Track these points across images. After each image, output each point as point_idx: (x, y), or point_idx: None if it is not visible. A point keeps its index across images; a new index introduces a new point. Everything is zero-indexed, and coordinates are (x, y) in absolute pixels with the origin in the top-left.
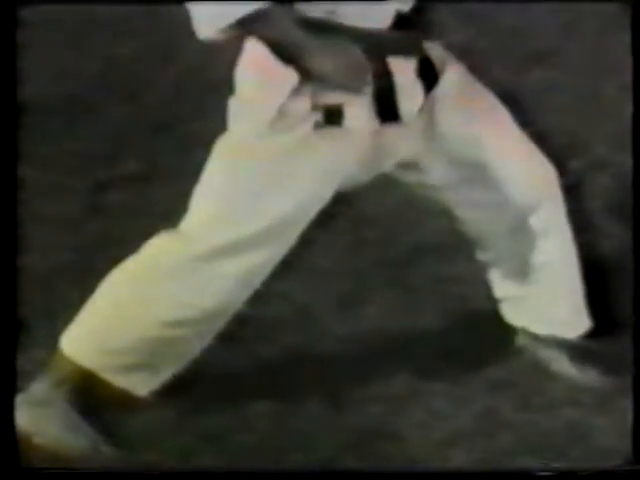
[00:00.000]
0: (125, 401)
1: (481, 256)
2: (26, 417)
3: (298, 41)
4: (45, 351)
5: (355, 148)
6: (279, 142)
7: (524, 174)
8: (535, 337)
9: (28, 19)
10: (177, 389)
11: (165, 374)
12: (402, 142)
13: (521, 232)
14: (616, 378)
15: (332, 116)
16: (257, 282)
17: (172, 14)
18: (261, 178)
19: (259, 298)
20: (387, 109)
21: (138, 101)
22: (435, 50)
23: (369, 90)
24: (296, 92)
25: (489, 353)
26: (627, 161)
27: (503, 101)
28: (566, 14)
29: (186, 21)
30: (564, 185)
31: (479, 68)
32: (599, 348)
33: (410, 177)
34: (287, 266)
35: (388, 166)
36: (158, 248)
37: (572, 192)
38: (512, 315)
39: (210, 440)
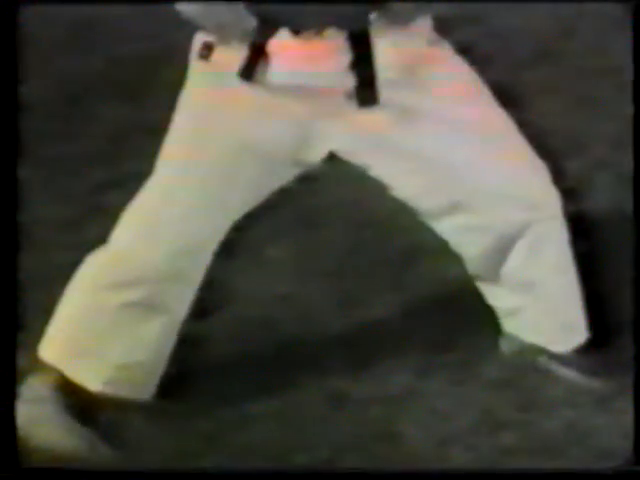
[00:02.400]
0: (109, 404)
1: (471, 270)
2: (25, 417)
3: None
4: None
5: (257, 101)
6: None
7: (516, 192)
8: (528, 345)
9: (28, 19)
10: (176, 389)
11: (113, 359)
12: (329, 135)
13: (505, 250)
14: (616, 378)
15: (204, 50)
16: (195, 242)
17: (172, 14)
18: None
19: (260, 299)
20: (245, 68)
21: (138, 101)
22: (386, 28)
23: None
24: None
25: (489, 353)
26: (627, 161)
27: (503, 101)
28: (566, 14)
29: (186, 21)
30: (563, 186)
31: (479, 68)
32: (602, 346)
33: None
34: (287, 267)
35: (316, 157)
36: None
37: (571, 193)
38: (507, 324)
39: (209, 440)
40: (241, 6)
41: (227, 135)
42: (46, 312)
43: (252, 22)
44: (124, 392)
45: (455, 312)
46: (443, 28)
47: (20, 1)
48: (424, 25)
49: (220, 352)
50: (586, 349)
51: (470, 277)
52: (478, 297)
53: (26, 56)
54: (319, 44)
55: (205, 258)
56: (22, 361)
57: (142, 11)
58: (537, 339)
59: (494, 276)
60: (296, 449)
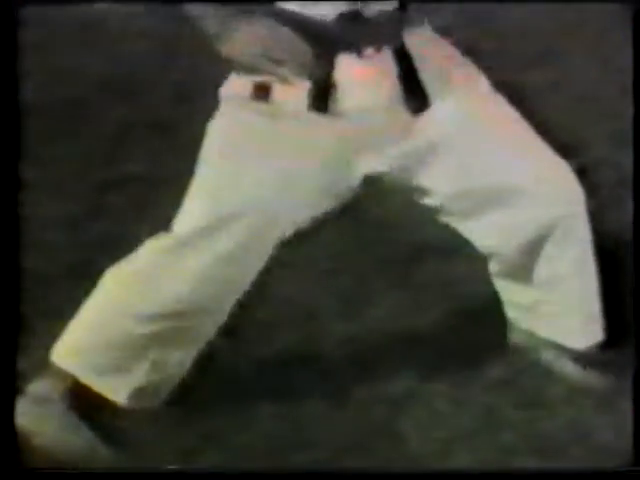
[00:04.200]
0: (112, 406)
1: (493, 267)
2: (26, 417)
3: (215, 26)
4: (46, 351)
5: (318, 136)
6: (239, 123)
7: (546, 191)
8: (539, 340)
9: (28, 19)
10: (178, 389)
11: (139, 377)
12: (383, 145)
13: (538, 247)
14: (616, 378)
15: (260, 91)
16: (233, 277)
17: (172, 14)
18: (218, 163)
19: (262, 299)
20: (318, 100)
21: (138, 101)
22: (415, 37)
23: (308, 77)
24: (238, 77)
25: (490, 353)
26: (628, 161)
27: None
28: (567, 14)
29: (186, 21)
30: None
31: (481, 68)
32: (602, 352)
33: (424, 201)
34: (289, 266)
35: (374, 165)
36: (143, 249)
37: None
38: (521, 321)
39: (211, 440)
40: (295, 37)
41: (269, 171)
42: (47, 312)
43: (308, 52)
44: (146, 403)
45: (458, 312)
46: (444, 28)
47: (20, 1)
48: (427, 30)
49: (221, 352)
50: (592, 351)
51: (473, 277)
52: (482, 297)
53: (26, 56)
54: (375, 64)
55: (241, 291)
56: (23, 361)
57: (143, 11)
58: (556, 335)
59: (520, 273)
60: (297, 449)
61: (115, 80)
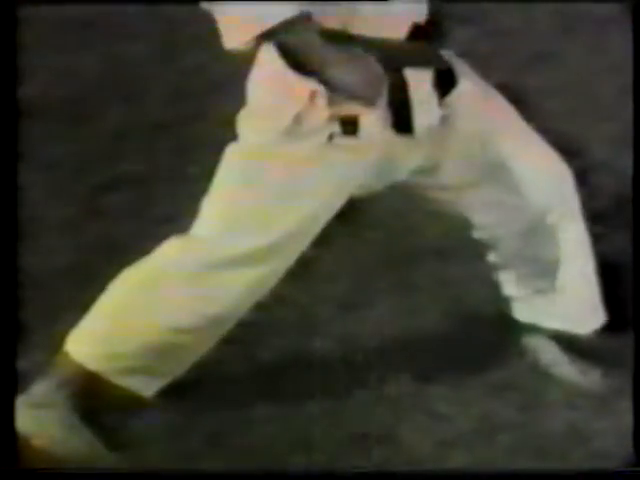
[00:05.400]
0: (128, 402)
1: (494, 258)
2: (26, 419)
3: (319, 51)
4: (45, 353)
5: (367, 159)
6: (294, 151)
7: (540, 174)
8: (543, 333)
9: (28, 19)
10: (178, 391)
11: (167, 378)
12: (415, 152)
13: (536, 231)
14: (616, 380)
15: (348, 126)
16: (264, 291)
17: (172, 14)
18: (276, 187)
19: (261, 300)
20: (401, 122)
21: (138, 101)
22: (449, 59)
23: (383, 101)
24: (312, 102)
25: (490, 355)
26: (628, 162)
27: None
28: (566, 15)
29: (186, 21)
30: None
31: (480, 69)
32: (602, 348)
33: (425, 180)
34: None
35: (401, 175)
36: (170, 254)
37: None
38: (523, 312)
39: (211, 442)
40: (373, 62)
41: (315, 204)
42: (46, 314)
43: (383, 75)
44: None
45: (457, 315)
46: (443, 28)
47: (20, 1)
48: None
49: (221, 354)
50: (595, 340)
51: (472, 280)
52: (480, 300)
53: (26, 56)
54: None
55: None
56: (22, 363)
57: (142, 11)
58: (560, 323)
59: (519, 262)
60: (297, 451)
61: (114, 80)
